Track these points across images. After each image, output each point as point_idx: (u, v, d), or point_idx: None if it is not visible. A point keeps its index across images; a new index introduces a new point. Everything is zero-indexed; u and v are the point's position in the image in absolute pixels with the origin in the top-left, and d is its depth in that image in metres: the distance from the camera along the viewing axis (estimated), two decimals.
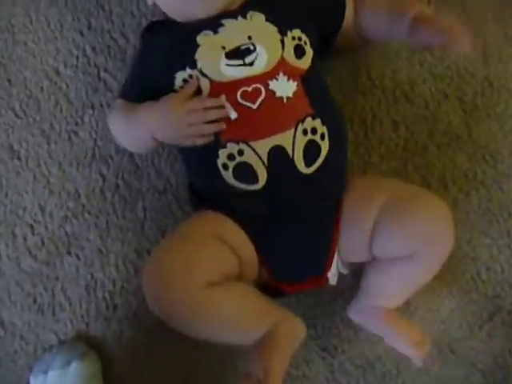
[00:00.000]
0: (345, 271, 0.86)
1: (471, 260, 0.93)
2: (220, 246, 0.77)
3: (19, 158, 0.95)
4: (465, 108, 0.95)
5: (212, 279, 0.74)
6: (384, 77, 0.95)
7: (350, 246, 0.82)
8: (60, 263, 0.93)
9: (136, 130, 0.82)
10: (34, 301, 0.93)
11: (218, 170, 0.77)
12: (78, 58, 0.96)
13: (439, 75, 0.96)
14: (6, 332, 0.94)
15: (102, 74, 0.95)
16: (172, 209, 0.93)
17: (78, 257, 0.93)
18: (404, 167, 0.94)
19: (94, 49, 0.95)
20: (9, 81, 0.96)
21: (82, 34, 0.96)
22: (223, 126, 0.76)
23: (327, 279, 0.84)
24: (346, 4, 0.86)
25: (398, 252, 0.80)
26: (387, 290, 0.84)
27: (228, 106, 0.77)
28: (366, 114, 0.95)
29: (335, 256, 0.83)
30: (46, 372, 0.93)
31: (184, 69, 0.79)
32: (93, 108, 0.95)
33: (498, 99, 0.96)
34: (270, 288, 0.82)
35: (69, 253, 0.93)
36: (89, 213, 0.93)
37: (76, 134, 0.95)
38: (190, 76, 0.79)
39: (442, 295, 0.92)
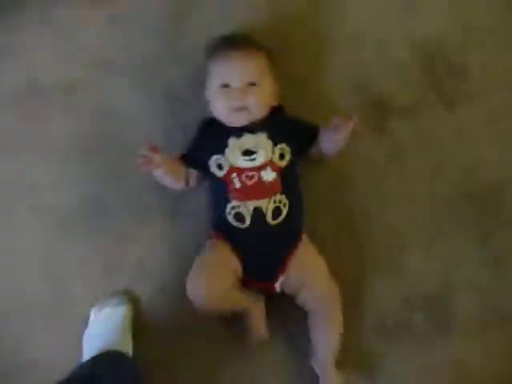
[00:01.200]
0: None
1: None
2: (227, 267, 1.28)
3: None
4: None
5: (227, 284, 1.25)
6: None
7: (286, 283, 1.31)
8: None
9: None
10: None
11: (225, 213, 1.28)
12: None
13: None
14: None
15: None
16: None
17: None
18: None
19: None
20: None
21: None
22: None
23: (274, 287, 1.31)
24: (319, 135, 1.33)
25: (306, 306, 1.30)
26: (320, 341, 1.29)
27: (237, 180, 1.29)
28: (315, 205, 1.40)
29: (281, 277, 1.29)
30: (101, 310, 1.31)
31: (217, 153, 1.31)
32: None
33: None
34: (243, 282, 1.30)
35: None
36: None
37: None
38: (218, 159, 1.30)
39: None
